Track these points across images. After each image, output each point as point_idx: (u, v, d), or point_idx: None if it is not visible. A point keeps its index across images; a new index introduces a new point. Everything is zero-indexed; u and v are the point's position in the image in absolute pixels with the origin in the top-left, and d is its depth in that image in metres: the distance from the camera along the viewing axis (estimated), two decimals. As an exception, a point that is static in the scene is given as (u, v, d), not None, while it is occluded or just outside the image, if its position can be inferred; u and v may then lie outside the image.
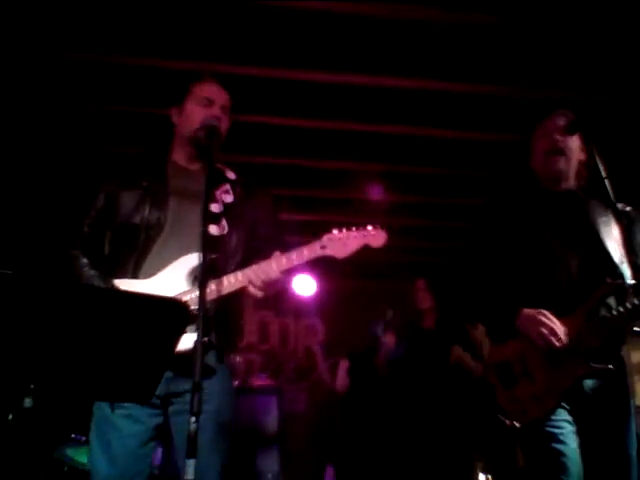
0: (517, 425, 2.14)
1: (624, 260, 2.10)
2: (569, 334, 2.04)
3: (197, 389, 1.43)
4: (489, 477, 4.18)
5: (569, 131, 2.17)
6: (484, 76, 3.24)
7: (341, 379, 4.95)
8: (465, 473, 4.05)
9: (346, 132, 3.85)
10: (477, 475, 4.14)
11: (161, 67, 3.16)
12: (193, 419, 1.42)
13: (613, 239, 2.13)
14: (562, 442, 2.01)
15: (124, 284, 1.88)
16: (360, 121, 3.71)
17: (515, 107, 3.60)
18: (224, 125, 2.06)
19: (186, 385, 1.82)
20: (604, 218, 2.17)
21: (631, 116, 3.53)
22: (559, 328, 2.03)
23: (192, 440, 1.41)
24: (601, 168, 2.03)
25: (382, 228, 1.91)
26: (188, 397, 1.81)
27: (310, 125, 3.76)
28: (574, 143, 2.20)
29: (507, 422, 2.17)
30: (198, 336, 1.49)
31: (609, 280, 2.06)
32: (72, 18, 2.87)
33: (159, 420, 1.91)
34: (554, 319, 2.04)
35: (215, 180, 2.04)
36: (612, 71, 3.19)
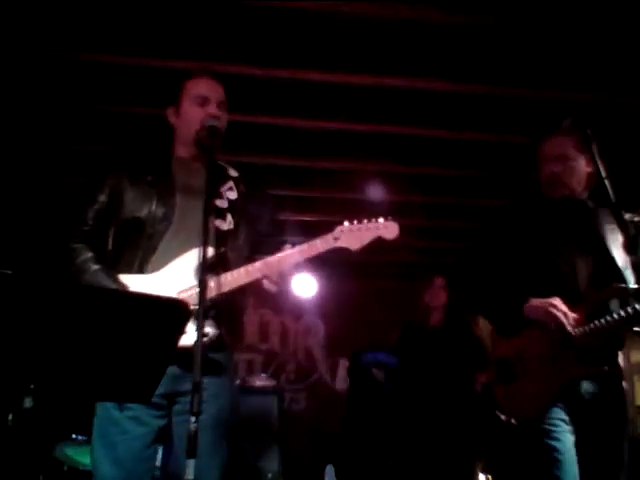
0: (514, 422, 2.15)
1: (628, 266, 2.12)
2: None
3: (197, 389, 1.43)
4: (489, 477, 4.18)
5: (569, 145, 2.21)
6: (484, 76, 3.24)
7: (341, 379, 4.95)
8: (465, 473, 4.05)
9: (346, 132, 3.85)
10: (477, 475, 4.14)
11: (161, 67, 3.17)
12: (193, 419, 1.42)
13: (619, 245, 2.15)
14: (557, 439, 2.03)
15: (129, 279, 1.86)
16: (360, 121, 3.71)
17: (515, 107, 3.60)
18: (223, 122, 2.04)
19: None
20: (610, 225, 2.19)
21: (631, 116, 3.53)
22: (570, 314, 2.05)
23: (192, 440, 1.41)
24: (601, 168, 2.04)
25: (394, 220, 1.92)
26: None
27: (310, 125, 3.75)
28: (575, 163, 2.22)
29: (503, 418, 2.19)
30: (198, 335, 1.49)
31: (614, 284, 2.08)
32: (72, 18, 2.86)
33: (164, 422, 1.89)
34: (563, 305, 2.06)
35: (219, 177, 2.04)
36: (612, 71, 3.19)
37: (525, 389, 2.13)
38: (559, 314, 2.04)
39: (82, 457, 3.52)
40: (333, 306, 6.29)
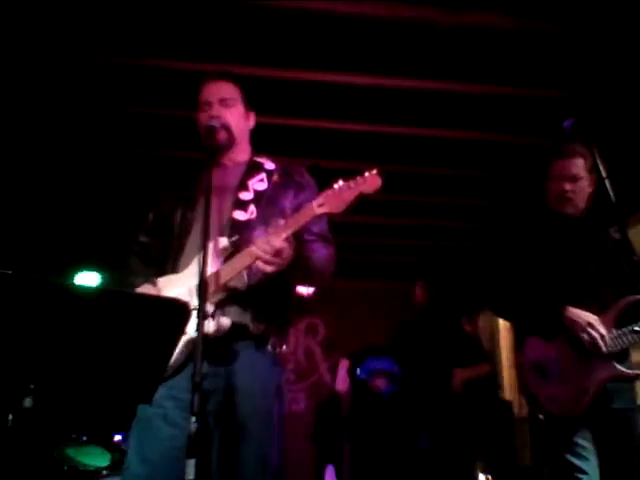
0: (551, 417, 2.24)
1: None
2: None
3: (197, 389, 1.42)
4: (489, 477, 4.18)
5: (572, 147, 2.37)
6: (484, 76, 3.24)
7: (341, 379, 4.94)
8: (465, 473, 4.05)
9: (346, 132, 3.85)
10: (477, 475, 4.14)
11: (161, 67, 3.17)
12: (193, 419, 1.41)
13: (625, 261, 2.26)
14: (584, 438, 2.15)
15: (164, 280, 1.94)
16: (360, 121, 3.71)
17: (514, 107, 3.61)
18: (225, 118, 2.04)
19: (223, 381, 1.80)
20: (614, 245, 2.32)
21: (631, 116, 3.53)
22: (606, 335, 2.18)
23: (192, 440, 1.40)
24: (601, 168, 2.05)
25: (376, 173, 1.85)
26: (223, 395, 1.79)
27: (310, 125, 3.75)
28: (583, 183, 2.40)
29: (541, 417, 2.28)
30: (198, 334, 1.46)
31: (633, 295, 2.20)
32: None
33: (196, 424, 1.85)
34: (602, 325, 2.19)
35: (250, 172, 2.09)
36: (613, 72, 3.19)
37: (564, 390, 2.22)
38: (597, 336, 2.16)
39: (82, 457, 3.52)
40: (333, 306, 6.28)
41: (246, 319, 1.88)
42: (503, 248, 2.56)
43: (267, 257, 1.77)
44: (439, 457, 3.94)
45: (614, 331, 2.19)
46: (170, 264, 1.97)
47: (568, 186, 2.40)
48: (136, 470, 1.80)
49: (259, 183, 2.06)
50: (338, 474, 4.72)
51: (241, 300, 1.88)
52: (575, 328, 2.20)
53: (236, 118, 2.08)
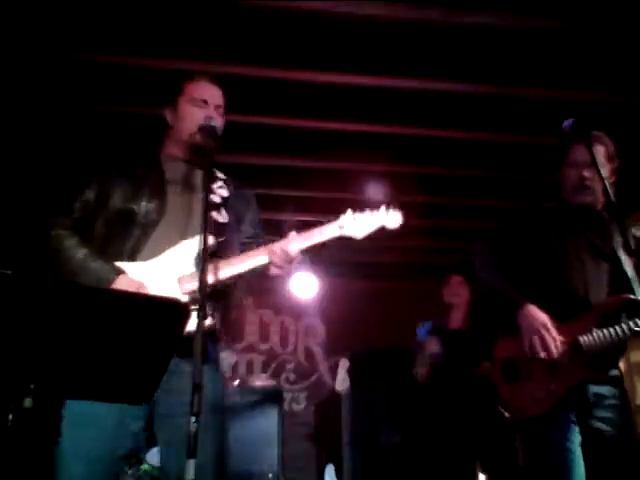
0: (516, 418, 2.19)
1: (636, 280, 2.17)
2: (567, 342, 2.10)
3: (197, 389, 1.42)
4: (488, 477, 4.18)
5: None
6: (484, 76, 3.24)
7: (341, 379, 4.94)
8: (466, 472, 4.04)
9: (346, 132, 3.85)
10: (477, 474, 4.13)
11: (159, 68, 3.17)
12: (193, 419, 1.41)
13: (628, 259, 2.21)
14: (568, 439, 2.06)
15: (124, 266, 1.85)
16: (360, 121, 3.71)
17: (514, 107, 3.61)
18: (220, 126, 2.06)
19: (180, 382, 1.72)
20: (621, 239, 2.24)
21: (632, 116, 3.53)
22: (553, 340, 2.08)
23: (192, 440, 1.40)
24: (601, 168, 2.04)
25: (396, 209, 1.98)
26: (180, 399, 1.69)
27: (310, 125, 3.75)
28: (604, 172, 2.23)
29: (507, 416, 2.23)
30: (197, 333, 1.47)
31: (624, 295, 2.13)
32: (73, 18, 2.87)
33: (142, 424, 1.81)
34: (552, 330, 2.09)
35: (211, 177, 2.04)
36: (614, 71, 3.19)
37: (530, 390, 2.15)
38: (537, 343, 2.08)
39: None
40: (333, 306, 6.28)
41: (215, 322, 1.90)
42: (504, 243, 2.45)
43: (281, 263, 1.82)
44: (440, 456, 3.93)
45: (595, 331, 2.10)
46: (126, 251, 1.87)
47: (587, 173, 2.24)
48: (75, 470, 1.75)
49: (221, 189, 2.08)
50: (338, 474, 4.72)
51: (211, 303, 1.87)
52: (521, 328, 2.12)
53: (221, 128, 2.09)
